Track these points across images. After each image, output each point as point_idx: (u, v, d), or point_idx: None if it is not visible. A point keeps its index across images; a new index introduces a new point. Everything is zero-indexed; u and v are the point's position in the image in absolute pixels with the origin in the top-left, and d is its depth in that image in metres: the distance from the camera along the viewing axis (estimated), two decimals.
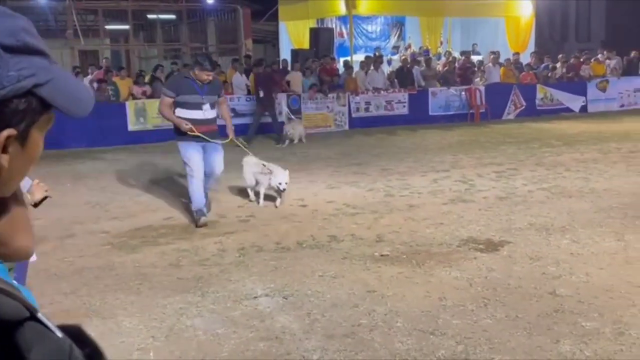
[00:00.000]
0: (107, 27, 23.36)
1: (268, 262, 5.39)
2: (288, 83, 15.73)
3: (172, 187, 8.77)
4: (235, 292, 4.67)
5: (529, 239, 5.79)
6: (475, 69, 17.97)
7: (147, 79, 15.35)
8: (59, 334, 0.77)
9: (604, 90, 18.28)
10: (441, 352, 3.56)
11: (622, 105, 18.28)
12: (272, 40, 24.69)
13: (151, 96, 14.40)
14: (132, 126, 13.88)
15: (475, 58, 19.25)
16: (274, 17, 21.86)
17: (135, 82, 14.82)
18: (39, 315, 0.77)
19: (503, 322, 3.95)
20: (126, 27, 22.84)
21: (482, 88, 17.02)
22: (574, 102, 17.96)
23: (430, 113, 16.48)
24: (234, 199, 8.03)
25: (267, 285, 4.81)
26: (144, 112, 13.99)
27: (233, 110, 14.77)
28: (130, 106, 13.89)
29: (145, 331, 4.00)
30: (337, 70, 17.28)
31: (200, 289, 4.77)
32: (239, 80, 15.48)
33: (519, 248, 5.53)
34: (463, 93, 16.87)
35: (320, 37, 18.91)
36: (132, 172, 10.16)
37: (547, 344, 3.62)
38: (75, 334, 0.84)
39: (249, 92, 15.13)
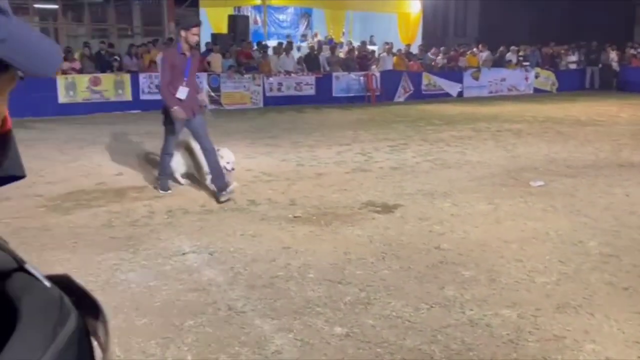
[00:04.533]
0: (36, 5, 21.73)
1: (194, 223, 5.27)
2: (209, 63, 15.31)
3: (102, 154, 8.37)
4: (165, 250, 4.54)
5: (417, 203, 5.96)
6: (372, 57, 18.19)
7: (77, 55, 14.54)
8: (48, 283, 0.70)
9: (477, 78, 19.02)
10: (347, 298, 3.63)
11: (491, 92, 19.10)
12: None
13: (80, 71, 13.66)
14: (62, 98, 13.10)
15: (371, 48, 19.47)
16: (195, 3, 21.12)
17: (65, 59, 13.94)
18: (27, 265, 0.70)
19: (398, 272, 4.07)
20: (55, 6, 21.35)
21: (378, 74, 17.26)
22: (453, 88, 18.58)
23: (333, 94, 16.56)
24: None
25: (194, 243, 4.70)
26: (74, 86, 13.23)
27: (158, 87, 14.30)
28: (60, 80, 13.07)
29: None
30: (253, 53, 17.00)
31: (132, 246, 4.60)
32: None
33: (409, 210, 5.68)
34: (362, 78, 17.04)
35: (238, 23, 18.49)
36: (64, 141, 9.60)
37: (434, 289, 3.76)
38: (65, 284, 0.76)
39: None
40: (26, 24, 0.71)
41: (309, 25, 21.80)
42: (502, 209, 5.68)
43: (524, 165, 7.78)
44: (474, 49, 20.47)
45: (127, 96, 14.09)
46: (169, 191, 6.31)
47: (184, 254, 4.45)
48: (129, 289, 3.81)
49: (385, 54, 18.16)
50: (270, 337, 3.14)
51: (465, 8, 27.91)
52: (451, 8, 27.64)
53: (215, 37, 17.60)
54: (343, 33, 21.07)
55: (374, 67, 17.60)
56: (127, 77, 14.14)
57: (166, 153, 6.22)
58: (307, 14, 21.70)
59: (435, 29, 23.74)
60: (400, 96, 17.51)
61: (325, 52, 17.90)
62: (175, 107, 5.79)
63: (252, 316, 3.39)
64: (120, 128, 10.95)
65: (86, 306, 0.77)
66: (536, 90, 19.86)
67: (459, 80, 18.71)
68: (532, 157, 8.37)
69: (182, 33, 5.79)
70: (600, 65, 21.08)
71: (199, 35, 5.98)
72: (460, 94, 18.54)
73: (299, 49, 18.62)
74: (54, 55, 0.71)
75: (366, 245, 4.64)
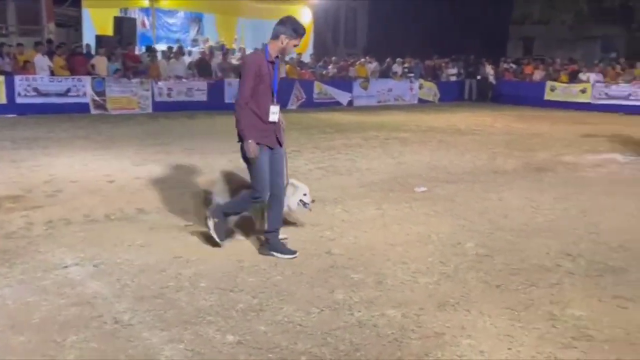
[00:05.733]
0: None
1: (77, 234, 5.01)
2: (93, 66, 14.64)
3: None
4: (45, 263, 4.29)
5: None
6: None
7: None
8: None
9: (365, 88, 19.71)
10: (239, 305, 3.63)
11: (380, 102, 19.87)
12: (75, 25, 22.64)
13: None
14: None
15: None
16: (77, 3, 20.07)
17: None
18: None
19: (290, 278, 4.13)
20: None
21: None
22: (343, 97, 19.11)
23: (226, 101, 16.41)
24: (38, 175, 7.30)
25: (77, 255, 4.48)
26: None
27: (36, 90, 13.48)
28: None
29: None
30: (141, 57, 16.48)
31: (8, 260, 4.29)
32: (42, 61, 14.06)
33: (301, 216, 5.76)
34: None
35: (124, 25, 17.87)
36: None
37: (325, 293, 3.86)
38: None
39: (52, 73, 13.87)
40: None
41: (200, 31, 21.46)
42: (389, 214, 5.93)
43: (409, 172, 8.17)
44: (362, 60, 21.21)
45: (2, 99, 13.12)
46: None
47: (65, 267, 4.22)
48: (5, 305, 3.56)
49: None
50: (159, 349, 3.07)
51: (355, 20, 28.85)
52: (341, 19, 28.45)
53: (99, 39, 16.88)
54: (235, 39, 20.97)
55: None
56: (0, 79, 13.16)
57: (254, 198, 4.47)
58: (198, 18, 21.35)
59: (326, 39, 24.30)
60: (293, 104, 17.73)
61: (217, 58, 17.73)
62: (251, 141, 4.28)
63: (140, 329, 3.29)
64: None
65: None
66: (420, 100, 20.93)
67: (349, 89, 19.28)
68: (416, 164, 8.81)
69: (284, 38, 4.34)
70: (478, 78, 22.63)
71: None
72: (350, 103, 19.11)
73: (189, 53, 18.29)
74: None
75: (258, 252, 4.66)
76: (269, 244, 4.58)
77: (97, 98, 13.94)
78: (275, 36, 4.36)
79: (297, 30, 4.37)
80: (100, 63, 14.84)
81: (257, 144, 4.35)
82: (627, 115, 16.93)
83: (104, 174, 7.45)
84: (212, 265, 4.33)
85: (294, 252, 4.56)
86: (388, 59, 21.55)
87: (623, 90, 18.39)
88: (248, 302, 3.69)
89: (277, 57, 4.45)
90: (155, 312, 3.52)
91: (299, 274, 4.20)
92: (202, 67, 16.76)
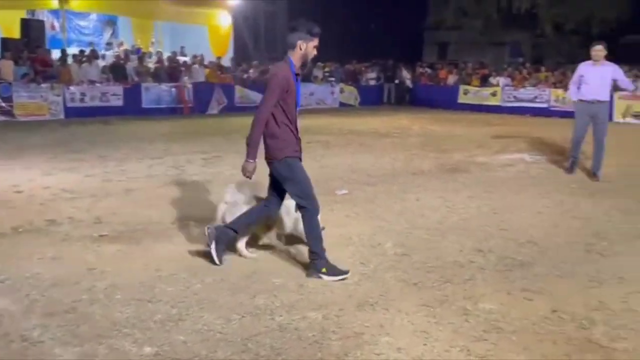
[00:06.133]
0: None
1: None
2: None
3: None
4: None
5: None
6: (183, 68, 17.95)
7: None
8: None
9: None
10: (157, 316, 3.54)
11: (302, 105, 19.89)
12: None
13: None
14: None
15: (182, 59, 19.20)
16: None
17: None
18: None
19: (211, 286, 4.07)
20: None
21: (190, 85, 17.09)
22: None
23: (143, 106, 16.02)
24: None
25: None
26: None
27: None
28: None
29: None
30: (51, 61, 15.74)
31: None
32: None
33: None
34: (173, 89, 16.73)
35: (32, 28, 17.04)
36: None
37: (247, 299, 3.84)
38: None
39: None
40: None
41: (114, 34, 20.75)
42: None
43: (331, 175, 8.28)
44: None
45: None
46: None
47: None
48: None
49: (197, 65, 18.04)
50: None
51: (274, 24, 28.89)
52: (261, 23, 28.41)
53: (5, 42, 15.98)
54: (152, 43, 20.44)
55: (186, 78, 17.38)
56: None
57: (311, 210, 4.24)
58: (111, 21, 20.63)
59: (247, 43, 24.19)
60: (214, 108, 17.52)
61: (133, 62, 17.25)
62: (252, 161, 4.16)
63: (51, 345, 3.15)
64: None
65: None
66: (341, 104, 21.25)
67: None
68: (338, 167, 8.93)
69: (301, 44, 4.15)
70: (396, 82, 23.27)
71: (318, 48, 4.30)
72: None
73: (103, 57, 17.66)
74: None
75: (179, 261, 4.56)
76: (316, 266, 4.23)
77: (3, 104, 13.18)
78: (292, 46, 4.19)
79: (311, 30, 4.18)
80: (6, 67, 14.06)
81: (293, 157, 4.28)
82: (533, 117, 17.93)
83: (11, 184, 7.06)
84: (128, 276, 4.21)
85: (345, 272, 4.21)
86: (309, 63, 21.70)
87: (530, 93, 19.48)
88: (167, 312, 3.61)
89: (301, 66, 4.31)
90: (68, 327, 3.37)
91: (220, 281, 4.15)
92: (117, 71, 16.25)
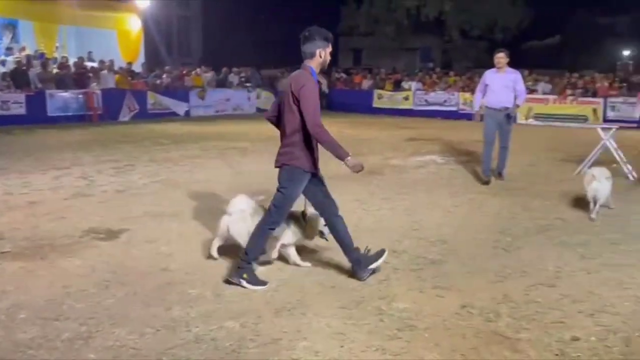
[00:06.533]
0: None
1: None
2: None
3: None
4: None
5: (145, 225, 5.85)
6: (91, 74, 17.26)
7: None
8: None
9: (202, 98, 19.50)
10: (65, 334, 3.39)
11: (217, 111, 19.77)
12: None
13: None
14: None
15: (90, 64, 18.45)
16: None
17: None
18: None
19: (123, 299, 3.95)
20: None
21: (99, 92, 16.46)
22: (180, 107, 18.72)
23: (48, 114, 15.26)
24: None
25: None
26: None
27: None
28: None
29: None
30: None
31: None
32: None
33: (136, 234, 5.55)
34: (80, 96, 16.04)
35: None
36: None
37: (161, 311, 3.75)
38: None
39: None
40: None
41: (14, 38, 19.59)
42: None
43: (248, 181, 8.22)
44: (198, 70, 20.96)
45: None
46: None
47: None
48: None
49: (106, 71, 17.40)
50: None
51: (188, 29, 28.40)
52: (174, 28, 27.83)
53: None
54: (57, 47, 19.48)
55: (94, 84, 16.72)
56: None
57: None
58: (12, 25, 19.44)
59: (159, 48, 23.61)
60: (125, 115, 16.98)
61: (36, 68, 16.38)
62: (349, 158, 4.10)
63: None
64: None
65: None
66: (259, 109, 21.15)
67: (186, 99, 18.93)
68: (255, 173, 8.87)
69: (321, 52, 4.17)
70: None
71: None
72: (187, 113, 18.77)
73: (3, 63, 16.65)
74: None
75: (88, 276, 4.39)
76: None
77: None
78: (311, 55, 4.17)
79: (327, 37, 4.21)
80: None
81: (307, 171, 4.20)
82: (443, 120, 18.68)
83: None
84: (33, 294, 4.00)
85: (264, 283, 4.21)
86: (224, 69, 21.53)
87: (440, 97, 20.28)
88: (75, 330, 3.46)
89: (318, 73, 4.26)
90: None
91: (133, 295, 4.03)
92: (18, 77, 15.37)
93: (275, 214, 4.26)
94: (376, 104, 21.45)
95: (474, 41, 31.52)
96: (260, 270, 4.46)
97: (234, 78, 21.21)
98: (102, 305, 3.85)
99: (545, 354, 3.22)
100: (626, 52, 37.80)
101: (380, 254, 4.42)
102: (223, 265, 4.64)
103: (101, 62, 17.89)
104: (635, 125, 13.52)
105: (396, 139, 13.40)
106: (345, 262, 4.58)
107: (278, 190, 4.27)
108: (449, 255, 4.98)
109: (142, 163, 9.60)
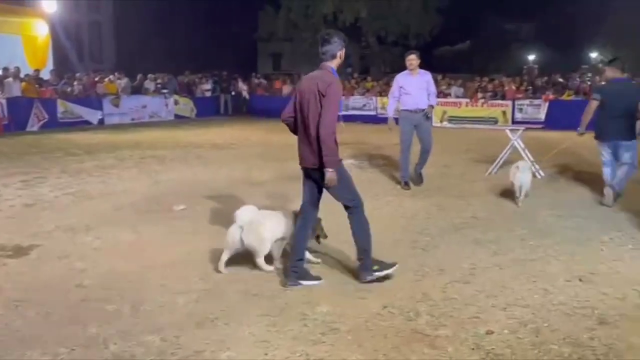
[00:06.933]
0: None
1: None
2: None
3: None
4: None
5: (56, 240, 5.60)
6: None
7: None
8: None
9: (117, 106, 18.87)
10: None
11: (133, 119, 19.19)
12: None
13: None
14: None
15: None
16: None
17: None
18: None
19: (35, 320, 3.76)
20: None
21: (4, 101, 15.56)
22: (93, 116, 18.03)
23: None
24: None
25: None
26: None
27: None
28: None
29: None
30: None
31: None
32: None
33: (47, 250, 5.30)
34: None
35: None
36: None
37: (77, 330, 3.59)
38: None
39: None
40: None
41: None
42: (146, 236, 5.77)
43: (168, 190, 8.06)
44: (111, 76, 20.28)
45: None
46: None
47: None
48: None
49: (11, 79, 16.47)
50: None
51: (100, 34, 27.42)
52: (84, 33, 26.78)
53: None
54: None
55: None
56: None
57: (357, 206, 4.71)
58: None
59: (68, 54, 22.62)
60: (34, 125, 16.16)
61: None
62: (332, 170, 4.29)
63: None
64: None
65: None
66: (177, 116, 20.78)
67: (99, 107, 18.25)
68: (175, 182, 8.72)
69: (341, 53, 4.36)
70: (232, 93, 23.29)
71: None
72: (101, 122, 18.11)
73: None
74: None
75: None
76: (366, 267, 4.43)
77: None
78: (333, 56, 4.33)
79: (345, 39, 4.40)
80: None
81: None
82: (363, 124, 19.05)
83: None
84: None
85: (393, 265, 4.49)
86: (140, 75, 20.95)
87: (359, 102, 20.68)
88: None
89: None
90: None
91: (45, 314, 3.85)
92: None
93: (353, 204, 4.55)
94: None
95: (390, 47, 32.42)
96: (186, 281, 4.38)
97: (150, 84, 20.68)
98: (11, 327, 3.65)
99: (462, 349, 3.36)
100: (531, 57, 40.21)
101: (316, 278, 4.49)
102: (143, 278, 4.52)
103: (5, 69, 16.90)
104: (540, 126, 14.33)
105: None
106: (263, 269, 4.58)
107: (326, 189, 4.43)
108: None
109: (53, 175, 9.17)
